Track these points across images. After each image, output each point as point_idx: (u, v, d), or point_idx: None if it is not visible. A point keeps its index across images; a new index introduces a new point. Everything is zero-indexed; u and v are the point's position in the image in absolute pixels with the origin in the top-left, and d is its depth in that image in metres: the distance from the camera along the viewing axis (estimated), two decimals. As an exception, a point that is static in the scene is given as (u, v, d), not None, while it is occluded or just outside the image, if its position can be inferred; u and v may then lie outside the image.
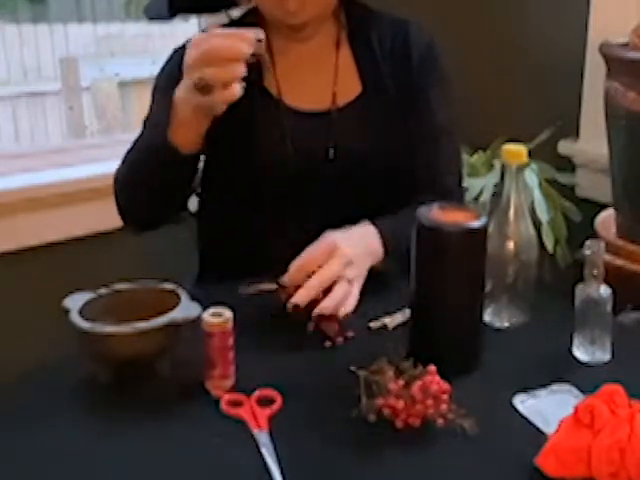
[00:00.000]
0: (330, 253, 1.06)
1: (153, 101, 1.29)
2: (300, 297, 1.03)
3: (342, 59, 1.30)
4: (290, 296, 1.05)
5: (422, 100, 1.29)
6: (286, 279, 1.07)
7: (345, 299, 1.05)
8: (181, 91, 1.08)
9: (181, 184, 1.21)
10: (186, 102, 1.07)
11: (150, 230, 1.29)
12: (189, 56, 1.04)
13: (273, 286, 1.19)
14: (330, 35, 1.31)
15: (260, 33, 1.04)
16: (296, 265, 1.06)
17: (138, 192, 1.22)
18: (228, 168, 1.28)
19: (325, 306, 1.03)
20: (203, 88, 1.01)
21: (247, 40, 1.02)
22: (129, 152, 1.25)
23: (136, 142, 1.25)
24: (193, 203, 1.35)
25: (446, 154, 1.31)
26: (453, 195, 1.30)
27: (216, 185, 1.32)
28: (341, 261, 1.05)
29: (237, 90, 1.02)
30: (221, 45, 1.02)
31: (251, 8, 1.32)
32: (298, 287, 1.07)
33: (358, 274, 1.09)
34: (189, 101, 1.07)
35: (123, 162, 1.25)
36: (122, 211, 1.26)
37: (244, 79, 1.03)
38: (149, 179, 1.18)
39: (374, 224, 1.17)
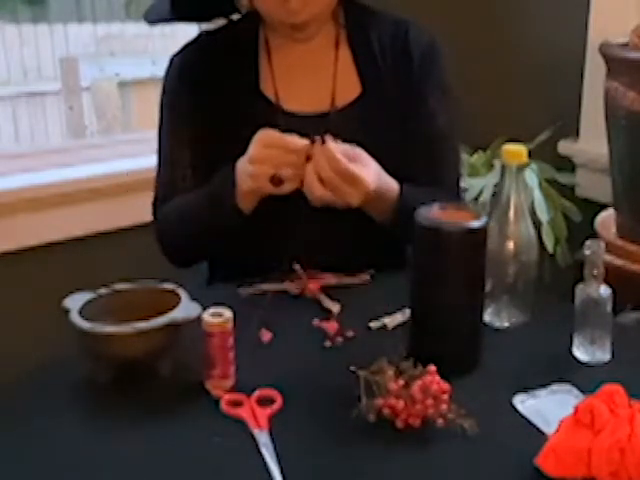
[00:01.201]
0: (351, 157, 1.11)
1: (165, 130, 1.32)
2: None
3: (341, 60, 1.30)
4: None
5: (422, 101, 1.29)
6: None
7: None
8: (242, 172, 1.14)
9: (234, 232, 1.25)
10: (246, 182, 1.14)
11: (194, 264, 1.36)
12: (256, 150, 1.12)
13: (273, 286, 1.20)
14: (329, 36, 1.30)
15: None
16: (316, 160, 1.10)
17: (192, 247, 1.31)
18: (228, 172, 1.27)
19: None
20: (278, 182, 1.12)
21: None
22: (161, 203, 1.31)
23: (165, 191, 1.31)
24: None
25: (445, 156, 1.31)
26: (452, 193, 1.30)
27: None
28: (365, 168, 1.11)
29: (298, 184, 1.12)
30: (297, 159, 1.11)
31: (249, 10, 1.32)
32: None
33: (376, 175, 1.14)
34: (248, 182, 1.14)
35: (166, 218, 1.30)
36: (171, 256, 1.32)
37: None
38: (208, 234, 1.25)
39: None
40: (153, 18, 1.33)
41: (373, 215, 1.21)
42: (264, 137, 1.12)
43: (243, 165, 1.15)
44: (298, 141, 1.11)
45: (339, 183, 1.09)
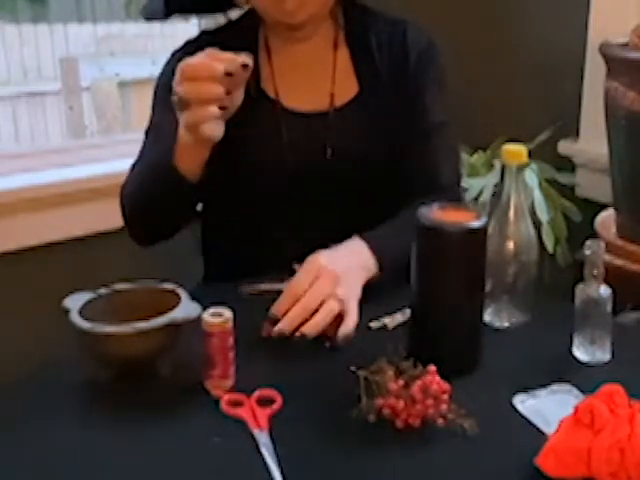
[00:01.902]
0: (316, 275, 1.03)
1: (153, 109, 1.30)
2: (285, 325, 1.00)
3: (340, 59, 1.30)
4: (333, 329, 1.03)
5: (419, 99, 1.29)
6: (274, 311, 1.03)
7: (335, 318, 1.02)
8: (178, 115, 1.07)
9: (184, 207, 1.22)
10: (181, 126, 1.07)
11: (154, 244, 1.29)
12: (179, 85, 1.03)
13: (273, 286, 1.20)
14: (328, 35, 1.31)
15: (248, 59, 1.04)
16: (284, 294, 1.03)
17: (143, 209, 1.23)
18: (227, 170, 1.28)
19: (309, 326, 1.00)
20: (180, 104, 1.02)
21: (225, 60, 1.03)
22: (134, 166, 1.26)
23: (140, 156, 1.26)
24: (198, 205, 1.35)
25: (442, 151, 1.30)
26: (450, 192, 1.30)
27: (217, 186, 1.32)
28: (327, 281, 1.02)
29: (214, 110, 1.02)
30: (196, 63, 1.02)
31: (249, 9, 1.32)
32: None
33: (349, 292, 1.03)
34: (181, 124, 1.07)
35: (129, 176, 1.25)
36: (128, 224, 1.27)
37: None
38: (153, 198, 1.19)
39: (363, 238, 1.13)
40: (149, 13, 1.33)
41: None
42: (186, 67, 1.03)
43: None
44: (209, 64, 1.02)
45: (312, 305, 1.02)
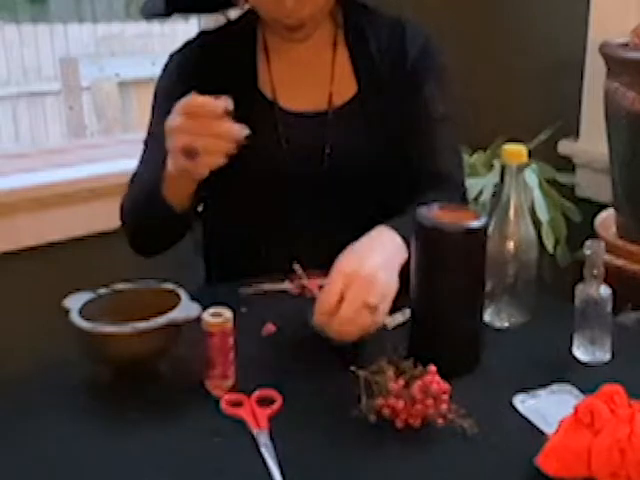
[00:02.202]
0: (346, 283, 0.97)
1: (152, 114, 1.30)
2: (331, 336, 0.99)
3: (338, 59, 1.30)
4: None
5: (418, 98, 1.28)
6: (314, 323, 1.00)
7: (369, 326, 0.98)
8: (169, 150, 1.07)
9: (176, 228, 1.23)
10: (171, 162, 1.07)
11: (154, 255, 1.31)
12: (174, 120, 1.02)
13: (273, 286, 1.20)
14: (327, 35, 1.30)
15: (228, 103, 1.02)
16: (317, 309, 0.99)
17: (139, 227, 1.25)
18: (226, 171, 1.27)
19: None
20: (189, 153, 1.01)
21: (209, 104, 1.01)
22: (133, 178, 1.28)
23: (139, 168, 1.27)
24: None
25: (445, 147, 1.30)
26: (456, 187, 1.29)
27: (217, 188, 1.32)
28: (359, 290, 0.96)
29: (221, 161, 1.02)
30: (217, 126, 1.01)
31: (248, 9, 1.32)
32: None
33: (382, 295, 0.98)
34: (173, 162, 1.06)
35: (128, 191, 1.27)
36: (127, 237, 1.29)
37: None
38: (146, 220, 1.21)
39: (389, 225, 1.10)
40: (149, 12, 1.33)
41: None
42: (180, 105, 1.03)
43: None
44: (213, 103, 1.01)
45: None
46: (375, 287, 0.97)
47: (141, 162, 1.28)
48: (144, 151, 1.29)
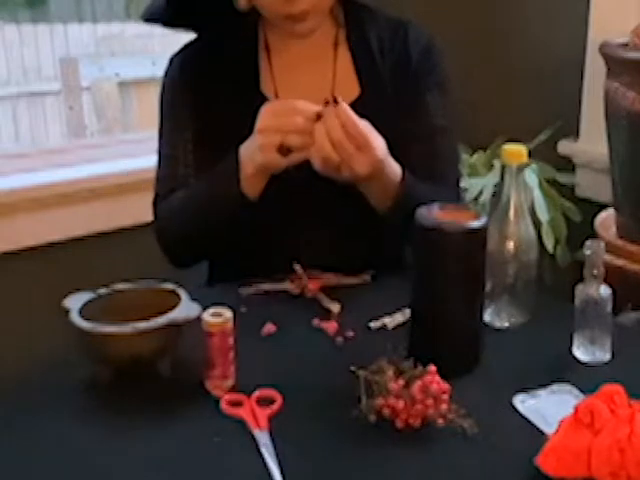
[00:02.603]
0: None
1: (162, 124, 1.32)
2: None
3: (340, 60, 1.29)
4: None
5: (420, 101, 1.29)
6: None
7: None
8: (248, 151, 1.13)
9: (239, 224, 1.24)
10: (252, 160, 1.13)
11: (194, 264, 1.33)
12: (267, 120, 1.10)
13: (273, 286, 1.20)
14: (328, 35, 1.30)
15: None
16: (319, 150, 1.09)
17: (193, 244, 1.27)
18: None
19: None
20: (286, 151, 1.09)
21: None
22: (158, 195, 1.29)
23: (165, 183, 1.29)
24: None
25: (445, 153, 1.31)
26: (452, 192, 1.30)
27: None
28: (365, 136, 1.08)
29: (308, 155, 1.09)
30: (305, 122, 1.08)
31: (250, 9, 1.32)
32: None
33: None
34: (255, 159, 1.12)
35: (165, 210, 1.28)
36: (172, 254, 1.30)
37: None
38: (211, 226, 1.22)
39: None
40: (149, 18, 1.33)
41: (374, 199, 1.19)
42: (271, 106, 1.11)
43: (250, 143, 1.13)
44: (305, 103, 1.09)
45: (349, 147, 1.08)
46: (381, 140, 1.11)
47: (165, 179, 1.30)
48: (164, 167, 1.30)
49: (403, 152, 1.26)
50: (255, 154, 1.12)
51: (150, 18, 1.31)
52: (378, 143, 1.11)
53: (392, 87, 1.28)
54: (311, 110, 1.08)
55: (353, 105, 1.27)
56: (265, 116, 1.10)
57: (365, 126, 1.10)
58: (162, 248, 1.30)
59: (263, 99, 1.27)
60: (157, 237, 1.30)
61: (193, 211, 1.24)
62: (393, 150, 1.24)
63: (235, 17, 1.28)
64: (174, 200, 1.27)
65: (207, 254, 1.34)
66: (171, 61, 1.32)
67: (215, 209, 1.20)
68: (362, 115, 1.27)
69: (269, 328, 1.08)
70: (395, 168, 1.17)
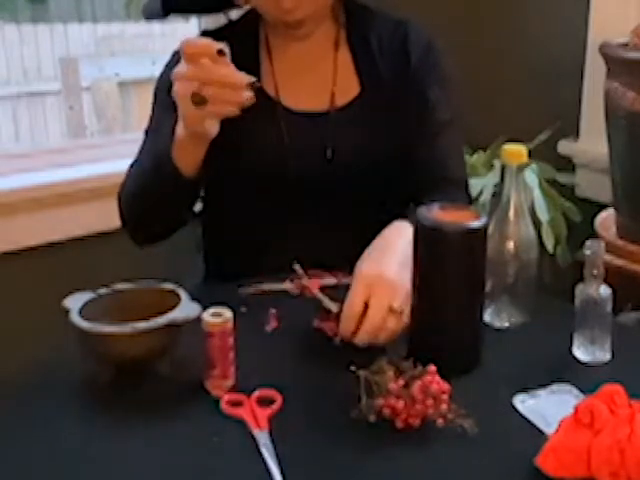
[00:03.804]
0: (368, 291, 0.98)
1: (153, 110, 1.30)
2: (360, 343, 0.99)
3: (341, 59, 1.30)
4: (334, 329, 1.04)
5: (422, 101, 1.29)
6: (342, 335, 1.01)
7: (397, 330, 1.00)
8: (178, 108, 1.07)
9: (183, 202, 1.22)
10: (180, 111, 1.06)
11: (153, 243, 1.28)
12: (180, 67, 1.03)
13: (273, 286, 1.20)
14: (329, 35, 1.31)
15: (251, 78, 1.03)
16: (344, 318, 1.00)
17: (141, 207, 1.22)
18: (228, 170, 1.28)
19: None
20: (198, 102, 1.01)
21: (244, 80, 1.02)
22: (132, 166, 1.26)
23: (139, 155, 1.26)
24: (197, 204, 1.35)
25: (449, 149, 1.31)
26: (460, 189, 1.30)
27: (218, 187, 1.32)
28: (382, 297, 0.97)
29: (231, 110, 1.03)
30: (217, 70, 1.01)
31: (250, 9, 1.32)
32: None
33: (407, 293, 0.99)
34: (182, 110, 1.05)
35: (127, 177, 1.25)
36: (126, 224, 1.26)
37: None
38: (152, 195, 1.18)
39: (408, 219, 1.09)
40: (149, 13, 1.33)
41: None
42: (187, 47, 1.02)
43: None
44: (208, 44, 1.01)
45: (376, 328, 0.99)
46: (398, 291, 0.98)
47: (141, 151, 1.27)
48: (144, 142, 1.28)
49: (405, 151, 1.27)
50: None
51: (150, 16, 1.31)
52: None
53: (392, 86, 1.28)
54: (211, 49, 1.01)
55: (353, 104, 1.27)
56: (183, 60, 1.02)
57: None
58: (122, 223, 1.26)
59: (264, 96, 1.27)
60: (118, 207, 1.26)
61: (136, 176, 1.22)
62: (395, 149, 1.24)
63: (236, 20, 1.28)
64: (130, 172, 1.24)
65: (164, 230, 1.27)
66: (173, 55, 1.32)
67: (152, 179, 1.17)
68: (362, 114, 1.27)
69: (272, 323, 1.09)
70: (405, 235, 1.04)
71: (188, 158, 1.12)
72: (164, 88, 1.29)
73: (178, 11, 1.36)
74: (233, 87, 1.01)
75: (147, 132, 1.29)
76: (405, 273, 0.99)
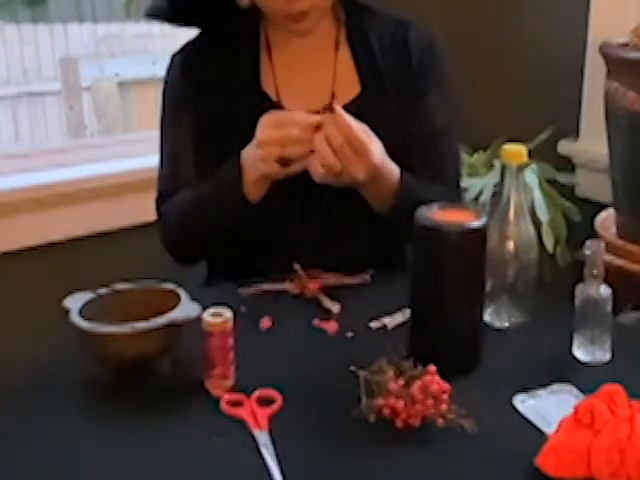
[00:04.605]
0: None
1: (162, 124, 1.32)
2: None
3: (341, 58, 1.30)
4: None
5: (421, 102, 1.29)
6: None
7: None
8: (250, 159, 1.16)
9: (241, 225, 1.25)
10: (254, 169, 1.15)
11: (197, 262, 1.37)
12: (266, 133, 1.12)
13: (273, 286, 1.20)
14: (329, 34, 1.30)
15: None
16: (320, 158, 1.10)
17: (198, 243, 1.28)
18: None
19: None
20: (286, 163, 1.13)
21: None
22: (162, 195, 1.30)
23: (169, 186, 1.30)
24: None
25: (445, 153, 1.31)
26: (451, 192, 1.31)
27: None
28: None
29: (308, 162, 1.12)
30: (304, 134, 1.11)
31: (250, 7, 1.32)
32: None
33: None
34: (257, 168, 1.15)
35: (169, 210, 1.29)
36: (176, 254, 1.31)
37: None
38: (215, 228, 1.24)
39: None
40: (153, 15, 1.33)
41: (373, 200, 1.21)
42: (270, 118, 1.13)
43: (251, 151, 1.15)
44: (303, 115, 1.12)
45: (348, 152, 1.10)
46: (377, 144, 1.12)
47: (173, 175, 1.30)
48: (165, 168, 1.32)
49: (404, 152, 1.26)
50: (256, 164, 1.15)
51: (153, 14, 1.31)
52: (374, 147, 1.12)
53: (392, 86, 1.28)
54: (309, 121, 1.11)
55: (353, 104, 1.27)
56: (265, 128, 1.13)
57: (363, 131, 1.12)
58: (166, 247, 1.31)
59: (264, 97, 1.27)
60: (162, 237, 1.31)
61: (198, 214, 1.25)
62: (394, 150, 1.24)
63: (236, 14, 1.28)
64: (180, 202, 1.27)
65: (211, 253, 1.35)
66: (172, 59, 1.32)
67: (220, 213, 1.22)
68: (363, 114, 1.27)
69: (265, 323, 1.09)
70: (393, 169, 1.18)
71: (259, 192, 1.19)
72: (173, 102, 1.30)
73: (184, 16, 1.35)
74: (310, 140, 1.11)
75: (162, 151, 1.32)
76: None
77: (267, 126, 1.13)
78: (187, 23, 1.35)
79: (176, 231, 1.29)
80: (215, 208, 1.22)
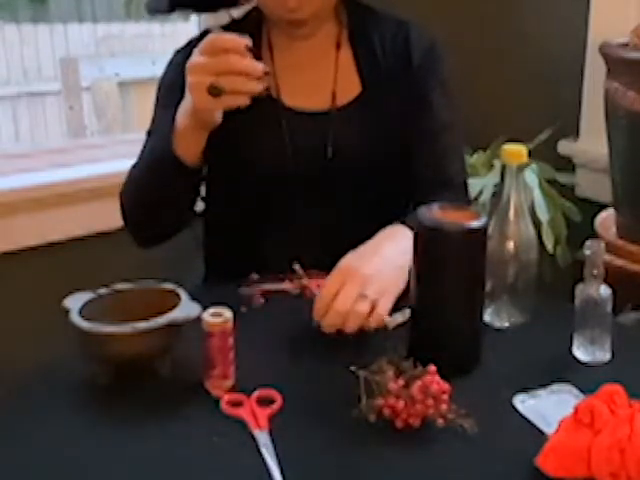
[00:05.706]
0: (343, 280, 1.00)
1: (155, 109, 1.30)
2: (327, 330, 1.01)
3: (342, 59, 1.30)
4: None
5: (423, 102, 1.29)
6: (315, 319, 1.02)
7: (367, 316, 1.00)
8: (182, 106, 1.10)
9: (185, 197, 1.22)
10: (185, 108, 1.09)
11: (157, 244, 1.29)
12: (198, 59, 1.05)
13: (274, 286, 1.20)
14: (331, 34, 1.31)
15: (266, 67, 1.07)
16: (316, 304, 1.02)
17: (144, 205, 1.22)
18: (229, 169, 1.28)
19: (347, 330, 1.00)
20: (216, 93, 1.04)
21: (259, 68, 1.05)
22: (134, 167, 1.26)
23: (140, 156, 1.26)
24: (198, 204, 1.35)
25: (449, 151, 1.31)
26: (460, 190, 1.31)
27: (219, 186, 1.32)
28: (354, 285, 1.00)
29: (245, 100, 1.06)
30: (238, 61, 1.04)
31: (253, 7, 1.32)
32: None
33: (381, 288, 1.01)
34: (187, 105, 1.08)
35: (128, 177, 1.25)
36: (128, 225, 1.27)
37: None
38: (155, 191, 1.19)
39: (403, 223, 1.13)
40: (152, 8, 1.33)
41: None
42: (206, 43, 1.05)
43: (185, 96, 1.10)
44: (235, 39, 1.04)
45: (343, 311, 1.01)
46: (372, 282, 1.00)
47: (142, 152, 1.27)
48: (145, 143, 1.28)
49: (409, 151, 1.27)
50: (187, 100, 1.09)
51: (154, 9, 1.32)
52: (383, 301, 1.02)
53: (394, 87, 1.28)
54: (241, 44, 1.04)
55: (355, 104, 1.27)
56: (197, 53, 1.06)
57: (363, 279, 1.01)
58: (126, 226, 1.26)
59: (265, 95, 1.27)
60: (122, 215, 1.26)
61: (141, 177, 1.22)
62: (394, 150, 1.24)
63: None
64: (131, 172, 1.24)
65: (166, 230, 1.28)
66: (175, 54, 1.32)
67: (154, 174, 1.18)
68: (363, 114, 1.27)
69: (266, 322, 1.09)
70: (399, 242, 1.09)
71: (190, 147, 1.13)
72: (166, 87, 1.29)
73: (184, 6, 1.36)
74: (251, 77, 1.04)
75: (149, 133, 1.30)
76: (386, 272, 1.02)
77: (199, 51, 1.05)
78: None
79: (126, 201, 1.24)
80: (150, 169, 1.18)
